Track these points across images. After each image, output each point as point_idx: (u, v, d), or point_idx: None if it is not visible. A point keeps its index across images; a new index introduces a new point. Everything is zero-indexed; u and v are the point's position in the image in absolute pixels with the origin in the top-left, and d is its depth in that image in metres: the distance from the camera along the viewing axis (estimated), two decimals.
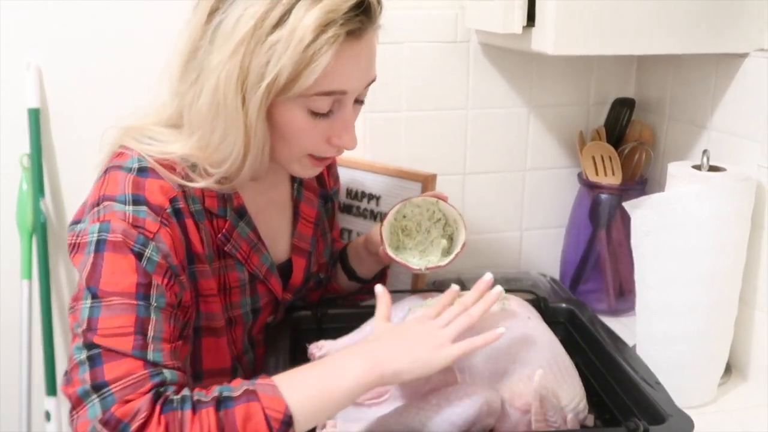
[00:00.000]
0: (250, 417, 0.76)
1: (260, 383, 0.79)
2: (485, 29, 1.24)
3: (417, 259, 1.03)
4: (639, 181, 1.38)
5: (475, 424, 0.86)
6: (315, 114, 0.88)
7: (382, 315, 0.93)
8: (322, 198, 1.14)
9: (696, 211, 1.01)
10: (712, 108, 1.22)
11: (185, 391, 0.78)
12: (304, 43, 0.81)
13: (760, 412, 1.07)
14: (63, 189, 1.49)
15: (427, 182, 1.29)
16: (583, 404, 0.93)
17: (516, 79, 1.42)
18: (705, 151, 1.06)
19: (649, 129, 1.40)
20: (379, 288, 0.96)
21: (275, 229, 1.05)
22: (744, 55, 1.14)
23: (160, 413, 0.75)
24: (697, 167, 1.07)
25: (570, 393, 0.92)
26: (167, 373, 0.79)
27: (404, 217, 1.07)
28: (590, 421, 0.95)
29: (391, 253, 1.03)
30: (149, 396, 0.76)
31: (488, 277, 0.90)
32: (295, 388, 0.79)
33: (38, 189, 1.44)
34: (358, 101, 0.94)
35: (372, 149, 1.39)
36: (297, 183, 1.09)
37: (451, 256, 1.03)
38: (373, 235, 1.10)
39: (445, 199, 1.07)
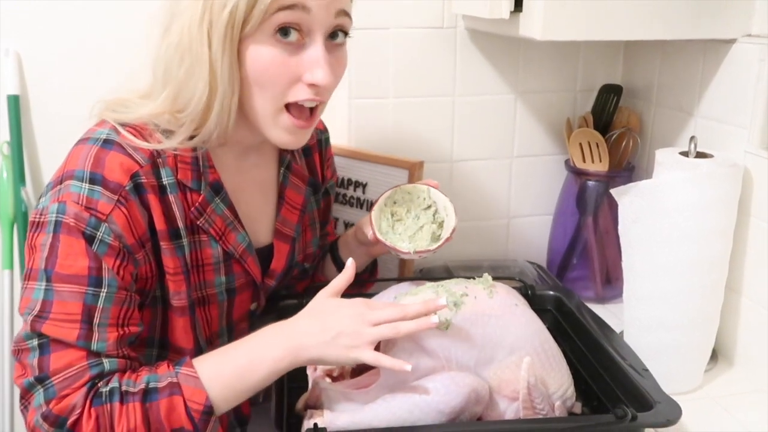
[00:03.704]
0: (173, 409, 0.82)
1: (183, 374, 0.84)
2: (472, 14, 1.23)
3: (406, 244, 1.03)
4: (626, 167, 1.38)
5: (463, 412, 0.86)
6: (283, 45, 0.87)
7: (331, 288, 0.91)
8: (312, 186, 1.12)
9: (683, 198, 1.01)
10: (700, 94, 1.22)
11: (114, 382, 0.83)
12: None
13: (745, 398, 1.08)
14: (44, 177, 1.47)
15: (413, 169, 1.28)
16: (570, 391, 0.93)
17: (503, 65, 1.41)
18: (692, 138, 1.06)
19: (636, 116, 1.39)
20: (349, 261, 0.94)
21: (257, 210, 1.04)
22: (731, 41, 1.13)
23: (90, 406, 0.81)
24: (685, 154, 1.07)
25: (558, 380, 0.92)
26: (107, 363, 0.84)
27: (394, 203, 1.06)
28: (578, 408, 0.95)
29: (380, 236, 1.02)
30: (84, 390, 0.81)
31: (442, 301, 0.87)
32: (214, 376, 0.85)
33: (19, 177, 1.42)
34: (336, 40, 0.91)
35: (358, 136, 1.38)
36: (284, 167, 1.07)
37: (441, 241, 1.02)
38: (364, 223, 1.09)
39: (436, 187, 1.07)
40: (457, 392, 0.85)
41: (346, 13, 0.91)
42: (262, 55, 0.87)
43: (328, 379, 0.94)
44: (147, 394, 0.82)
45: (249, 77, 0.88)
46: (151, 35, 0.90)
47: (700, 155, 1.07)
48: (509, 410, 0.90)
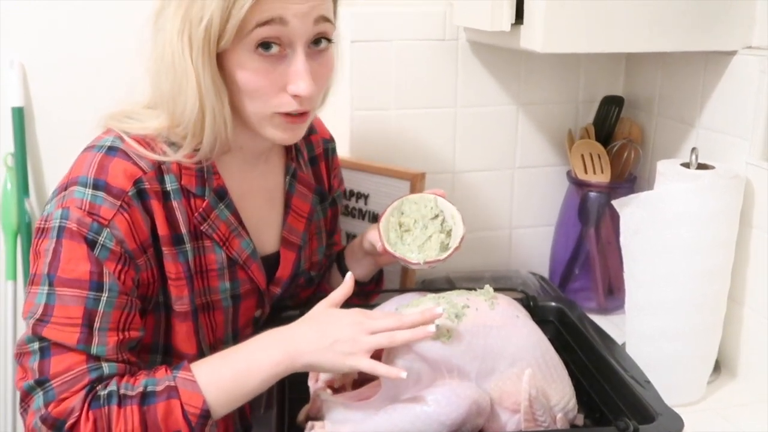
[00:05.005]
0: (171, 412, 0.84)
1: (181, 378, 0.86)
2: (474, 27, 1.24)
3: (415, 254, 1.03)
4: (628, 179, 1.38)
5: (465, 424, 0.86)
6: (265, 57, 0.87)
7: (330, 300, 0.92)
8: (318, 194, 1.13)
9: (685, 209, 1.01)
10: (701, 106, 1.22)
11: (112, 385, 0.84)
12: None
13: (749, 409, 1.07)
14: (47, 188, 1.47)
15: (415, 181, 1.28)
16: (572, 403, 0.93)
17: (505, 77, 1.42)
18: (694, 149, 1.06)
19: (637, 127, 1.40)
20: (348, 274, 0.95)
21: (263, 218, 1.05)
22: (732, 53, 1.14)
23: (89, 409, 0.83)
24: (686, 165, 1.07)
25: (559, 392, 0.92)
26: (106, 367, 0.85)
27: (402, 213, 1.07)
28: (580, 420, 0.95)
29: (389, 248, 1.02)
30: (83, 393, 0.83)
31: (439, 310, 0.88)
32: (212, 380, 0.86)
33: (22, 189, 1.42)
34: (319, 46, 0.91)
35: (360, 147, 1.39)
36: (290, 176, 1.08)
37: (450, 250, 1.02)
38: (371, 233, 1.09)
39: (443, 196, 1.07)
40: (459, 404, 0.85)
41: (326, 19, 0.90)
42: (246, 68, 0.88)
43: (329, 391, 0.94)
44: (145, 397, 0.84)
45: (235, 88, 0.90)
46: (142, 48, 0.92)
47: (702, 166, 1.07)
48: (511, 422, 0.89)
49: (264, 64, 0.88)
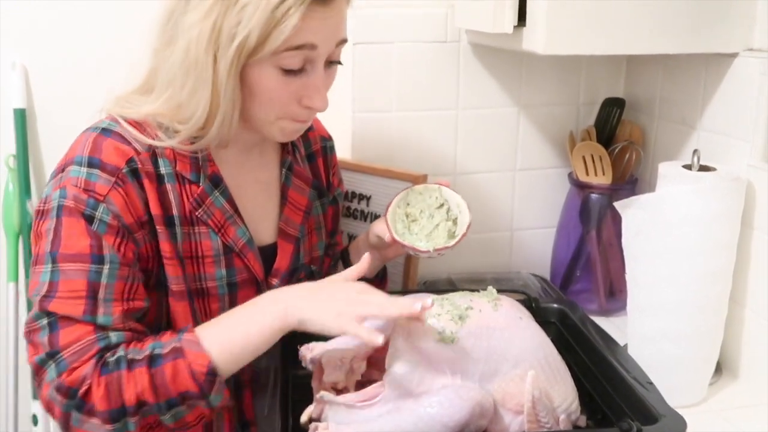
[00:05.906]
0: (178, 372, 0.85)
1: (186, 339, 0.87)
2: (475, 29, 1.24)
3: (424, 243, 1.04)
4: (629, 181, 1.39)
5: (468, 425, 0.86)
6: (286, 72, 0.90)
7: (346, 274, 0.94)
8: (316, 189, 1.14)
9: (686, 211, 1.02)
10: (702, 108, 1.22)
11: (120, 351, 0.86)
12: (272, 4, 0.84)
13: (750, 411, 1.08)
14: None
15: (417, 182, 1.28)
16: (575, 405, 0.93)
17: (506, 79, 1.42)
18: (695, 151, 1.06)
19: (639, 129, 1.40)
20: (366, 254, 0.96)
21: (259, 209, 1.06)
22: (733, 55, 1.14)
23: (99, 375, 0.84)
24: (688, 167, 1.08)
25: (562, 393, 0.92)
26: (113, 336, 0.87)
27: (407, 204, 1.08)
28: (582, 421, 0.95)
29: (398, 238, 1.03)
30: (93, 361, 0.85)
31: (428, 302, 0.86)
32: (216, 340, 0.87)
33: (24, 190, 1.42)
34: (333, 62, 0.95)
35: (362, 149, 1.39)
36: (286, 168, 1.09)
37: (458, 237, 1.03)
38: (377, 227, 1.10)
39: (447, 186, 1.09)
40: (462, 406, 0.85)
41: (345, 40, 0.95)
42: (266, 81, 0.90)
43: (332, 392, 0.94)
44: (152, 359, 0.86)
45: (249, 93, 0.92)
46: (151, 38, 0.93)
47: (703, 168, 1.07)
48: (514, 424, 0.89)
49: (284, 79, 0.91)
